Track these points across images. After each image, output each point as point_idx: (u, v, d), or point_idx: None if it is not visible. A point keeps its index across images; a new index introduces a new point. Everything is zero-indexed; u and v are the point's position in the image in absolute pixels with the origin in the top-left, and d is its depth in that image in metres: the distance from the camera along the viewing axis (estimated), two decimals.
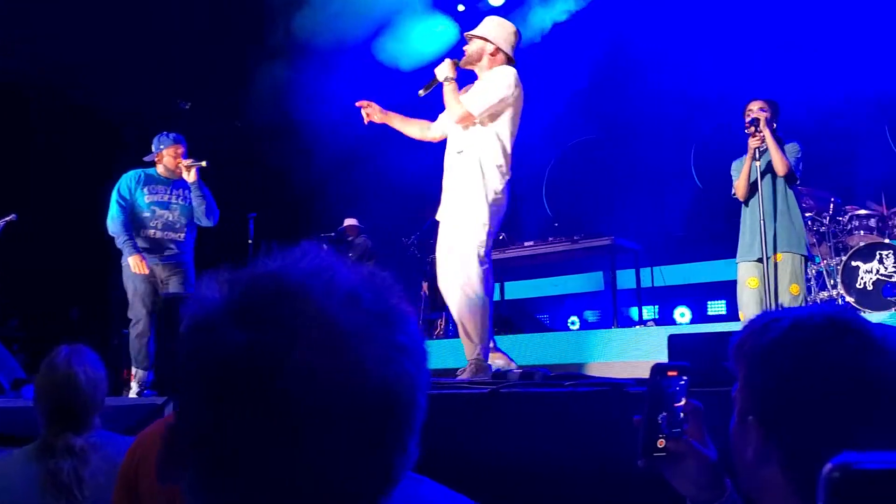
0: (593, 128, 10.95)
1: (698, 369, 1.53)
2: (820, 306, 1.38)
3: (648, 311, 9.50)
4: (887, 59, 8.34)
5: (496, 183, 4.49)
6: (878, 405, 1.24)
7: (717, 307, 9.83)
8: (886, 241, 6.64)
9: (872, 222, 6.86)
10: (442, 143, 4.86)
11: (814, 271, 6.96)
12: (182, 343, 0.79)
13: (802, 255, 5.26)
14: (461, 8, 10.75)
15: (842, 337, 1.27)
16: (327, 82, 8.91)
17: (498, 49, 4.68)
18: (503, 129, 4.55)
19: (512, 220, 8.81)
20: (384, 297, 0.82)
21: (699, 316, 9.83)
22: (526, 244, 8.64)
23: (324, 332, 0.76)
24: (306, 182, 10.06)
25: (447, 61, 4.70)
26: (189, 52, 9.50)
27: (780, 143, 5.27)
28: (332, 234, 9.60)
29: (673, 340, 3.03)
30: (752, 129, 5.23)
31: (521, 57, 4.86)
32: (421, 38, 8.85)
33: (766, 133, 5.21)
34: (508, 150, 4.57)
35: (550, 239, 8.52)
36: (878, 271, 6.47)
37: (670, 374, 1.42)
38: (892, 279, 6.38)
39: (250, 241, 7.68)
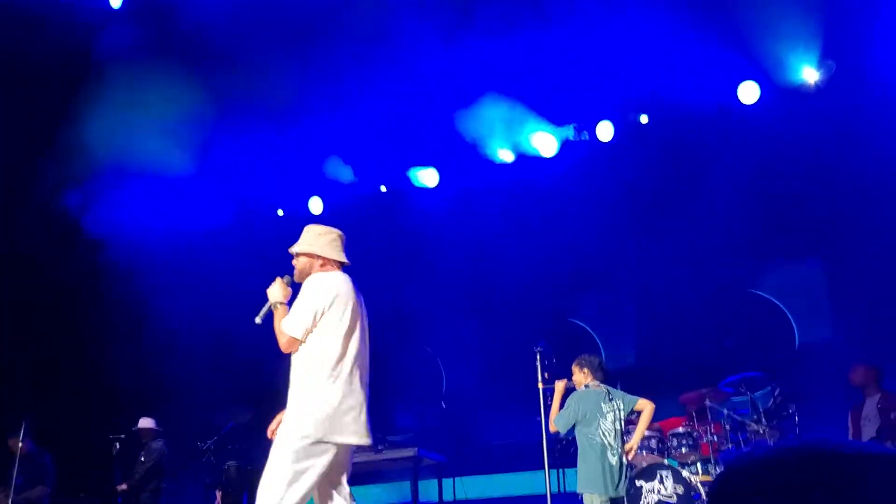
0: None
1: None
2: None
3: None
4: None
5: (322, 392, 4.30)
6: None
7: None
8: (666, 461, 7.02)
9: (653, 443, 7.27)
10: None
11: None
12: None
13: None
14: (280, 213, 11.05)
15: None
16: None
17: (325, 259, 4.64)
18: (324, 337, 4.40)
19: None
20: None
21: None
22: None
23: None
24: (96, 377, 9.56)
25: (278, 281, 4.62)
26: None
27: None
28: (123, 435, 9.04)
29: None
30: None
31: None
32: None
33: None
34: (336, 354, 4.38)
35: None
36: (659, 491, 6.77)
37: None
38: (672, 500, 6.69)
39: (21, 444, 7.03)
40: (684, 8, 8.46)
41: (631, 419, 6.72)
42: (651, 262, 9.40)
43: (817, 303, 9.20)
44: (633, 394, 6.48)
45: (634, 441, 6.40)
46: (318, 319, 4.40)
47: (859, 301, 8.59)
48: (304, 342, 4.42)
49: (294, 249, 4.70)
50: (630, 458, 6.40)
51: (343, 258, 4.69)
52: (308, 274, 4.62)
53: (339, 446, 4.29)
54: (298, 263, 4.68)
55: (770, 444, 6.86)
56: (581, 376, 6.44)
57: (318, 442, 4.24)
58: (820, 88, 8.95)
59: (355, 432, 4.31)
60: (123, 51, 9.22)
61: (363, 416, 4.38)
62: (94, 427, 9.27)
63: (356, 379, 4.43)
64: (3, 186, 9.42)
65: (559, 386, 6.44)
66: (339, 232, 4.76)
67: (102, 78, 9.14)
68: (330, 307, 4.42)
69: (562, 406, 6.37)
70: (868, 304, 8.43)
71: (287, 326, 4.43)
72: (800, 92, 9.02)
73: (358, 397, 4.40)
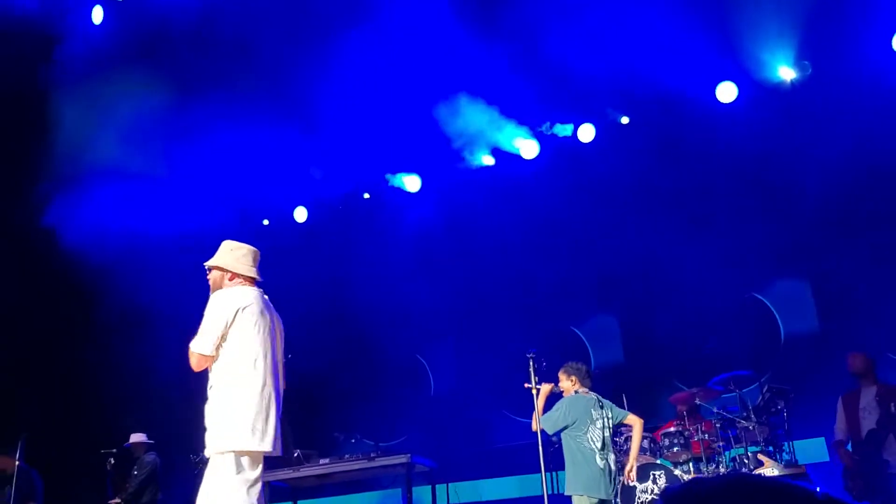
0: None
1: None
2: None
3: None
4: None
5: (231, 405, 4.45)
6: None
7: None
8: (658, 461, 7.10)
9: (645, 443, 7.34)
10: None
11: None
12: None
13: None
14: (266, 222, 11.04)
15: None
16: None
17: (234, 274, 4.77)
18: (231, 351, 4.53)
19: (306, 435, 8.66)
20: None
21: None
22: (322, 461, 8.41)
23: None
24: (87, 393, 9.51)
25: None
26: None
27: None
28: (115, 450, 9.02)
29: None
30: None
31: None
32: None
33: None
34: (242, 367, 4.52)
35: (347, 456, 8.35)
36: (652, 491, 6.85)
37: None
38: None
39: (17, 463, 7.01)
40: (666, 7, 8.56)
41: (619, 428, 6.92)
42: (638, 264, 9.47)
43: (802, 299, 9.28)
44: (626, 395, 6.59)
45: (632, 462, 6.49)
46: (224, 334, 4.53)
47: (844, 297, 8.68)
48: (216, 358, 4.55)
49: (207, 264, 4.88)
50: (630, 479, 6.52)
51: (252, 273, 4.82)
52: (218, 286, 4.79)
53: (252, 455, 4.44)
54: (211, 277, 4.86)
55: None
56: (569, 383, 6.61)
57: (235, 453, 4.39)
58: (795, 87, 9.08)
59: (267, 442, 4.46)
60: (103, 58, 9.19)
61: (270, 426, 4.50)
62: (87, 441, 9.22)
63: (264, 391, 4.53)
64: None
65: (545, 388, 6.58)
66: (251, 248, 4.90)
67: (81, 84, 9.10)
68: (233, 321, 4.55)
69: (548, 407, 6.54)
70: (853, 300, 8.53)
71: (194, 345, 4.55)
72: (777, 91, 9.14)
73: (264, 408, 4.50)
